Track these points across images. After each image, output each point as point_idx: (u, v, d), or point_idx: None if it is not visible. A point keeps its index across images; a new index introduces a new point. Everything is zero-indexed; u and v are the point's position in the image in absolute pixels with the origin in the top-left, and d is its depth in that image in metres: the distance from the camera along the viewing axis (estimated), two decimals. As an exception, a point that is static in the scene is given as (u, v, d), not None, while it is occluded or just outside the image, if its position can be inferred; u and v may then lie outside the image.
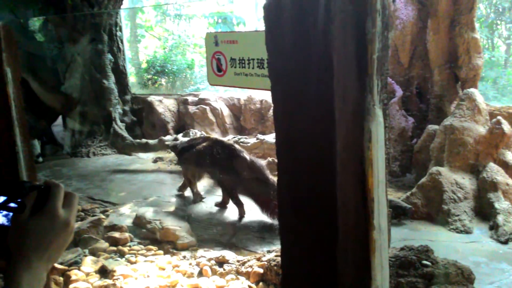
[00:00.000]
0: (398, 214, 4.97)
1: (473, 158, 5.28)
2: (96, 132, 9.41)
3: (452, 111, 5.77)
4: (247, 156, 5.39)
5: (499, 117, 5.29)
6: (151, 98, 9.77)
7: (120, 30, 10.07)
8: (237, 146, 5.75)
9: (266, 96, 9.37)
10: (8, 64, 1.94)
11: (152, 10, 16.99)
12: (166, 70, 11.38)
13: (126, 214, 5.42)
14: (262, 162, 5.74)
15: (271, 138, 7.90)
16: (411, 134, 6.43)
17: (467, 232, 4.61)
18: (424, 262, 3.26)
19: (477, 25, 8.88)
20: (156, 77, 11.27)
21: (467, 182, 5.13)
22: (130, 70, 12.13)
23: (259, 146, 7.76)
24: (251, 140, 7.86)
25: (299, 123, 1.17)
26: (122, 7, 10.19)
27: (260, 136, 7.85)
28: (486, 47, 9.86)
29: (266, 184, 5.16)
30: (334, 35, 1.03)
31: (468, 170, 5.28)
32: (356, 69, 1.10)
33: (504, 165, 5.19)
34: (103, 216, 5.37)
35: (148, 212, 5.23)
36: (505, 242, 4.28)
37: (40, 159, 8.17)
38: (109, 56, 9.46)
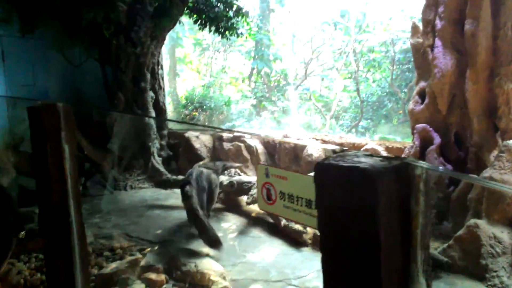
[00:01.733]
0: (434, 267, 4.91)
1: (513, 212, 5.19)
2: (134, 166, 9.71)
3: (491, 161, 5.71)
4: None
5: (540, 171, 5.20)
6: (189, 134, 10.03)
7: (162, 68, 10.51)
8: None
9: (301, 136, 9.49)
10: (66, 141, 2.14)
11: (191, 45, 17.55)
12: (204, 106, 11.69)
13: (163, 254, 5.52)
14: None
15: (305, 178, 7.97)
16: (448, 182, 6.37)
17: (506, 289, 4.51)
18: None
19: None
20: (195, 114, 11.59)
21: (505, 236, 5.03)
22: (169, 105, 12.53)
23: (293, 186, 7.82)
24: (286, 180, 7.94)
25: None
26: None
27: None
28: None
29: None
30: (381, 213, 1.15)
31: (507, 224, 5.18)
32: (401, 242, 1.23)
33: (545, 220, 5.08)
34: (140, 255, 5.48)
35: (184, 253, 5.33)
36: (546, 304, 4.17)
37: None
38: (151, 93, 9.85)
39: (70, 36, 8.71)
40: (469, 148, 6.39)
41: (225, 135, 10.02)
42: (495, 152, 5.93)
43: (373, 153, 1.32)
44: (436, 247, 5.44)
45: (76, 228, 2.23)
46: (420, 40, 6.98)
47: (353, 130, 12.47)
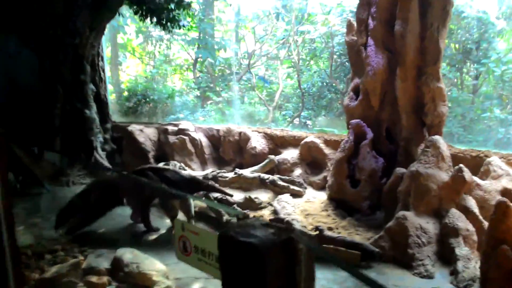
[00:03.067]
0: (366, 257, 5.24)
1: (437, 203, 5.62)
2: (76, 161, 9.50)
3: (418, 155, 6.11)
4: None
5: (461, 165, 5.64)
6: (132, 128, 9.92)
7: (102, 59, 10.27)
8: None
9: (244, 129, 9.66)
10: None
11: (134, 32, 17.16)
12: (147, 98, 11.58)
13: (105, 255, 5.49)
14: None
15: (248, 172, 8.15)
16: (381, 174, 6.75)
17: (430, 277, 4.89)
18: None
19: (444, 64, 9.42)
20: (135, 106, 11.45)
21: (431, 226, 5.45)
22: (111, 97, 12.30)
23: (236, 181, 7.99)
24: (229, 175, 8.08)
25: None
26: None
27: (238, 171, 8.08)
28: (455, 83, 10.38)
29: None
30: (269, 281, 1.43)
31: (432, 215, 5.60)
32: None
33: (465, 210, 5.53)
34: (82, 257, 5.43)
35: (126, 254, 5.35)
36: (464, 289, 4.58)
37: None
38: (92, 86, 9.63)
39: (3, 25, 8.32)
40: (399, 143, 6.80)
41: (170, 127, 10.00)
42: (422, 146, 6.35)
43: (270, 223, 1.50)
44: (368, 238, 5.79)
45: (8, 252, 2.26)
46: (355, 38, 7.28)
47: (295, 120, 12.82)
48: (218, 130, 9.91)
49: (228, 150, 9.61)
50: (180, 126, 9.91)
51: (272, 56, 15.38)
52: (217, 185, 6.95)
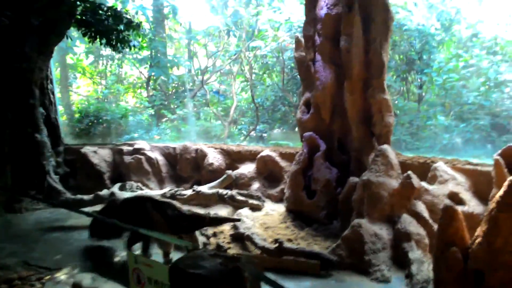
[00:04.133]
0: (325, 266, 5.39)
1: (389, 210, 5.86)
2: (28, 186, 9.22)
3: (369, 164, 6.36)
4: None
5: (409, 172, 5.91)
6: (85, 149, 9.74)
7: (51, 82, 10.08)
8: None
9: (201, 145, 9.70)
10: None
11: (84, 53, 16.87)
12: (100, 119, 11.41)
13: (63, 281, 5.38)
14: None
15: (206, 188, 8.18)
16: (335, 184, 6.96)
17: (386, 281, 5.08)
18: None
19: (390, 75, 9.85)
20: (88, 127, 11.25)
21: (384, 232, 5.67)
22: (63, 119, 12.03)
23: (195, 198, 7.99)
24: (188, 192, 8.08)
25: None
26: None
27: (196, 188, 8.10)
28: (401, 92, 10.86)
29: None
30: None
31: (385, 221, 5.83)
32: None
33: (415, 215, 5.80)
34: (39, 285, 5.30)
35: (85, 279, 5.26)
36: (418, 291, 4.79)
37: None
38: (41, 109, 9.42)
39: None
40: (350, 153, 7.04)
41: (125, 148, 9.89)
42: (372, 156, 6.60)
43: (218, 253, 1.61)
44: (327, 247, 5.95)
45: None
46: (303, 53, 7.51)
47: (252, 134, 12.97)
48: (174, 148, 9.90)
49: (185, 167, 9.61)
50: (135, 146, 9.83)
51: (226, 71, 15.53)
52: (220, 215, 6.44)
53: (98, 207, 8.24)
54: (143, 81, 15.98)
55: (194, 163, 9.59)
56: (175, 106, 14.63)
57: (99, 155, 9.83)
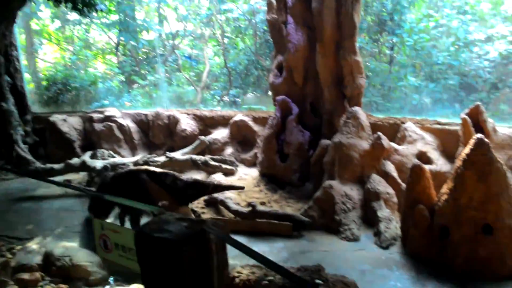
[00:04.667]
0: (298, 227, 5.49)
1: (359, 171, 5.97)
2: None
3: (341, 126, 6.41)
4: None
5: (379, 133, 6.00)
6: (54, 118, 9.51)
7: (16, 49, 9.71)
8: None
9: (173, 111, 9.59)
10: None
11: (49, 18, 16.23)
12: (69, 87, 11.11)
13: (35, 250, 5.33)
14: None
15: (179, 155, 8.14)
16: (308, 147, 7.02)
17: (356, 240, 5.23)
18: (317, 281, 3.72)
19: (362, 36, 9.82)
20: (56, 95, 10.95)
21: (355, 193, 5.80)
22: (30, 87, 11.66)
23: (168, 164, 7.95)
24: (161, 159, 8.02)
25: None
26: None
27: (169, 154, 8.05)
28: (373, 54, 10.87)
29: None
30: (185, 270, 1.62)
31: (356, 182, 5.95)
32: None
33: (385, 175, 5.93)
34: (10, 256, 5.25)
35: (57, 248, 5.23)
36: (387, 248, 4.95)
37: None
38: (6, 77, 9.12)
39: None
40: (323, 116, 7.08)
41: (96, 115, 9.70)
42: (344, 118, 6.65)
43: (183, 217, 1.60)
44: (299, 209, 6.05)
45: None
46: (275, 16, 7.39)
47: (225, 99, 12.86)
48: (146, 115, 9.76)
49: (158, 134, 9.51)
50: (106, 113, 9.64)
51: (197, 35, 15.19)
52: (224, 182, 6.27)
53: (69, 176, 8.18)
54: (112, 46, 15.51)
55: (166, 130, 9.50)
56: (146, 72, 14.30)
57: (68, 123, 9.62)
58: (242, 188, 5.76)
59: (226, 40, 14.03)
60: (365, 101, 8.00)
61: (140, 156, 8.32)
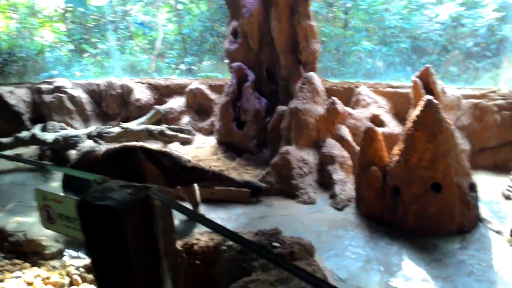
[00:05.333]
0: (256, 193, 5.55)
1: (315, 135, 6.04)
2: None
3: (296, 92, 6.43)
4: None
5: (334, 98, 6.07)
6: (0, 90, 9.06)
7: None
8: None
9: (126, 81, 9.33)
10: None
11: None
12: (14, 57, 10.56)
13: (-14, 227, 5.17)
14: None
15: (134, 125, 7.98)
16: (265, 114, 7.02)
17: (312, 203, 5.34)
18: (275, 244, 3.80)
19: (317, 1, 9.77)
20: (1, 66, 10.39)
21: (311, 157, 5.88)
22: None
23: (123, 135, 7.79)
24: (115, 130, 7.84)
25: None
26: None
27: (124, 125, 7.87)
28: (328, 18, 10.86)
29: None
30: (129, 238, 1.57)
31: (312, 147, 6.03)
32: (150, 254, 1.63)
33: (340, 139, 6.04)
34: (-40, 232, 5.07)
35: (10, 223, 5.09)
36: (342, 209, 5.08)
37: None
38: None
39: None
40: (279, 82, 7.07)
41: (44, 86, 9.30)
42: (300, 83, 6.66)
43: (127, 184, 1.57)
44: (257, 175, 6.10)
45: None
46: (228, -20, 7.22)
47: (181, 67, 12.61)
48: (98, 85, 9.45)
49: (112, 104, 9.26)
50: (56, 84, 9.26)
51: (150, 1, 14.69)
52: (223, 173, 5.76)
53: (18, 150, 7.88)
54: (60, 13, 14.78)
55: (120, 100, 9.25)
56: (97, 40, 13.77)
57: (16, 95, 9.19)
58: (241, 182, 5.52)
59: (180, 6, 13.64)
60: (321, 67, 8.03)
61: (93, 128, 8.09)
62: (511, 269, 3.68)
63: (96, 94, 9.43)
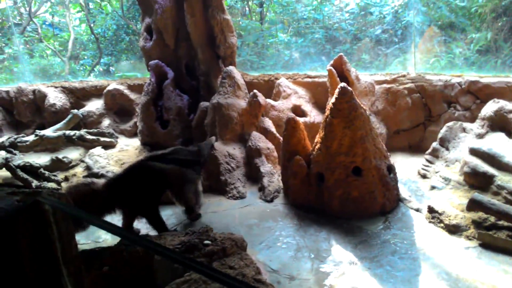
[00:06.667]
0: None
1: (240, 129, 6.07)
2: None
3: (218, 87, 6.42)
4: None
5: (255, 91, 6.13)
6: None
7: None
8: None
9: (38, 85, 8.81)
10: None
11: None
12: None
13: None
14: None
15: (50, 132, 7.57)
16: (188, 111, 6.94)
17: (242, 197, 5.38)
18: (206, 242, 3.77)
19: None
20: None
21: (237, 152, 5.91)
22: None
23: (39, 143, 7.36)
24: (30, 138, 7.40)
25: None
26: None
27: (39, 132, 7.43)
28: (244, 13, 10.92)
29: None
30: (22, 246, 1.48)
31: (237, 141, 6.06)
32: (49, 263, 1.55)
33: (264, 131, 6.11)
34: None
35: None
36: (271, 201, 5.16)
37: None
38: None
39: None
40: (199, 78, 7.01)
41: None
42: (220, 78, 6.66)
43: (15, 191, 1.47)
44: (185, 173, 6.02)
45: None
46: (138, -24, 7.01)
47: (97, 68, 12.11)
48: (7, 92, 8.85)
49: (24, 111, 8.71)
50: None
51: (57, 1, 13.92)
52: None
53: None
54: (-44, 17, 13.62)
55: (33, 106, 8.72)
56: (3, 45, 12.86)
57: None
58: None
59: (91, 5, 13.07)
60: (241, 60, 8.07)
61: (5, 138, 7.58)
62: (431, 244, 3.93)
63: (6, 102, 8.82)
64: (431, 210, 4.35)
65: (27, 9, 13.44)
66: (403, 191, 4.98)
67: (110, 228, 1.39)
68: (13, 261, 1.35)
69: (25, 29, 13.22)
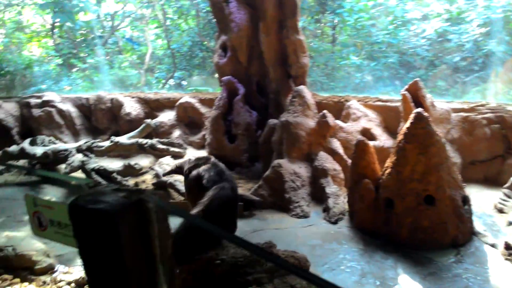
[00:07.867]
0: (248, 207, 5.52)
1: (307, 148, 6.06)
2: None
3: (287, 105, 6.47)
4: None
5: (325, 111, 6.10)
6: (-13, 105, 8.97)
7: None
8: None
9: (116, 95, 9.30)
10: None
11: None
12: (2, 71, 10.47)
13: (-27, 242, 5.07)
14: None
15: (125, 139, 7.93)
16: (256, 127, 7.04)
17: (306, 216, 5.34)
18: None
19: (304, 16, 9.89)
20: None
21: (303, 170, 5.89)
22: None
23: (114, 149, 7.74)
24: (105, 143, 7.79)
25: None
26: None
27: (114, 138, 7.82)
28: (316, 34, 11.00)
29: None
30: (125, 242, 1.52)
31: (304, 160, 6.04)
32: (146, 259, 1.63)
33: (331, 152, 6.06)
34: None
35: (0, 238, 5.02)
36: (335, 223, 5.08)
37: None
38: None
39: None
40: (269, 95, 7.11)
41: (33, 100, 9.23)
42: (290, 97, 6.71)
43: (121, 187, 1.55)
44: (249, 188, 6.08)
45: None
46: (217, -5, 7.28)
47: (170, 81, 12.62)
48: (87, 99, 9.43)
49: (101, 118, 9.22)
50: (44, 98, 9.21)
51: (138, 16, 14.73)
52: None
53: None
54: (48, 29, 14.75)
55: (110, 114, 9.22)
56: (86, 55, 13.76)
57: (4, 110, 9.11)
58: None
59: (168, 22, 13.70)
60: (310, 81, 8.10)
61: (82, 142, 8.03)
62: (507, 282, 3.69)
63: (85, 108, 9.39)
64: (508, 246, 4.10)
65: (110, 23, 14.32)
66: (478, 225, 4.72)
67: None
68: (115, 252, 1.42)
69: (106, 41, 14.07)
